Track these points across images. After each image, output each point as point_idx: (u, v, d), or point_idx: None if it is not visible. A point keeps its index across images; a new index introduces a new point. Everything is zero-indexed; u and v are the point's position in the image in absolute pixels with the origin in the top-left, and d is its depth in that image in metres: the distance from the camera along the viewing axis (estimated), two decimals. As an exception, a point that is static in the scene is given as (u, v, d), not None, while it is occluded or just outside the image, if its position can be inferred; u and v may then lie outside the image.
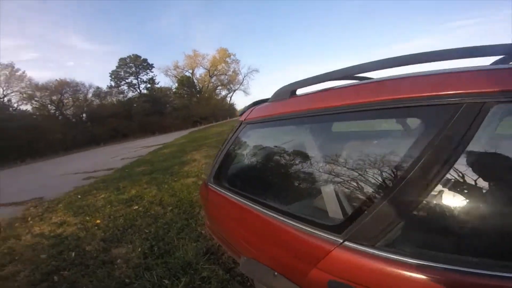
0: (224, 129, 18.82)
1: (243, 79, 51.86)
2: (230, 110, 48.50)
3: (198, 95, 45.68)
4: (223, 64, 48.20)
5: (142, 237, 2.70)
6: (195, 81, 47.70)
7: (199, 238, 2.54)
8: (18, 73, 32.61)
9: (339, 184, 0.97)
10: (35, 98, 33.86)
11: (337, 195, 0.93)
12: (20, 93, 32.71)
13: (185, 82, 44.76)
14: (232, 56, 49.33)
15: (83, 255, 2.54)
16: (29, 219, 4.03)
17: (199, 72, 49.70)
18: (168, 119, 40.53)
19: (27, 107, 33.84)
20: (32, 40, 62.86)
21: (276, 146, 1.44)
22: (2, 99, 31.63)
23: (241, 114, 1.51)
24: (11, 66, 32.09)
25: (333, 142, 1.36)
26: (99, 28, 71.44)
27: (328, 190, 0.98)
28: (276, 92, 1.28)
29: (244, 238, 1.30)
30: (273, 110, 1.24)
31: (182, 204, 3.59)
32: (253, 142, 1.53)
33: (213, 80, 49.43)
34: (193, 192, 4.07)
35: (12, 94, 32.38)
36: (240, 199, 1.28)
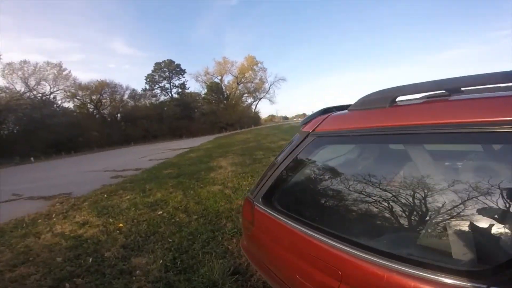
0: (249, 137, 18.74)
1: (269, 87, 52.23)
2: (255, 118, 48.95)
3: (225, 102, 46.51)
4: (250, 72, 48.96)
5: (164, 247, 2.49)
6: (223, 87, 48.77)
7: (225, 254, 2.27)
8: (65, 73, 35.26)
9: (464, 220, 0.75)
10: (77, 97, 36.51)
11: (466, 232, 0.74)
12: (65, 91, 35.46)
13: (214, 88, 45.85)
14: (259, 64, 50.05)
15: (101, 261, 2.37)
16: (53, 216, 4.04)
17: (228, 79, 50.91)
18: (196, 124, 41.59)
19: (69, 104, 36.64)
20: (79, 43, 69.01)
21: (364, 167, 1.17)
22: (48, 96, 34.47)
23: (305, 123, 1.23)
24: (59, 65, 34.84)
25: (454, 167, 1.08)
26: (139, 34, 77.04)
27: (453, 226, 0.78)
28: (363, 98, 1.03)
29: (300, 273, 1.01)
30: (361, 121, 0.98)
31: (208, 213, 3.35)
32: (326, 160, 1.24)
33: (240, 87, 50.25)
34: (220, 201, 3.83)
35: (58, 91, 35.16)
36: (301, 228, 1.02)
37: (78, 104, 37.18)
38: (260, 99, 53.48)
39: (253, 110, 54.11)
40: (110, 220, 3.45)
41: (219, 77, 49.15)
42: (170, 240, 2.61)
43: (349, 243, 0.85)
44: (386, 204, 0.93)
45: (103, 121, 37.89)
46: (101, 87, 38.21)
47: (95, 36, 72.38)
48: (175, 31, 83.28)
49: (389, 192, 0.94)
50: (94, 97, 38.09)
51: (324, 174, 1.19)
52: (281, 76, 57.84)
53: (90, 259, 2.41)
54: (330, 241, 0.90)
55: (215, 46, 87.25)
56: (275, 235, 1.19)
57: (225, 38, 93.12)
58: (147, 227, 3.04)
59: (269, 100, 53.55)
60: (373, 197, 0.96)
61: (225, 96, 47.49)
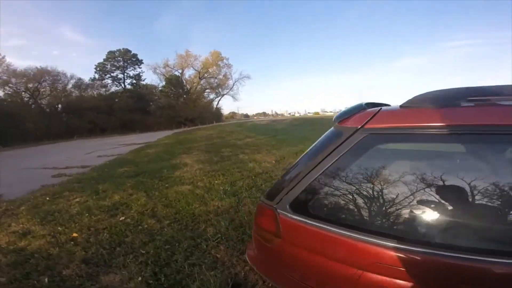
0: (212, 133, 18.20)
1: (233, 84, 51.47)
2: (217, 114, 47.78)
3: (185, 96, 44.40)
4: (215, 67, 47.50)
5: (138, 260, 2.09)
6: (184, 81, 46.53)
7: (216, 264, 2.01)
8: (-4, 58, 29.80)
9: None
10: (9, 84, 31.15)
11: None
12: (-5, 78, 29.90)
13: (174, 81, 43.29)
14: (225, 60, 48.83)
15: (60, 282, 1.89)
16: (-21, 224, 3.20)
17: (189, 73, 48.67)
18: (152, 118, 38.90)
19: (-1, 92, 31.00)
20: (18, 27, 58.90)
21: (428, 166, 1.09)
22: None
23: (345, 118, 1.10)
24: (-12, 49, 29.27)
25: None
26: (91, 19, 68.71)
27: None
28: (426, 95, 0.99)
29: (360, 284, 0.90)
30: (426, 119, 0.89)
31: (181, 217, 2.99)
32: (381, 159, 1.10)
33: (202, 82, 48.48)
34: (192, 203, 3.48)
35: (-15, 78, 29.49)
36: (361, 236, 0.91)
37: (10, 92, 31.71)
38: (223, 95, 52.42)
39: (215, 106, 52.93)
40: (59, 228, 2.83)
41: (180, 71, 46.81)
42: (143, 252, 2.21)
43: (421, 246, 0.82)
44: (459, 205, 0.90)
45: (41, 112, 33.01)
46: (41, 75, 33.14)
47: (37, 21, 62.52)
48: (136, 21, 76.74)
49: (458, 194, 0.88)
50: (30, 85, 32.92)
51: (382, 175, 1.04)
52: (246, 73, 57.13)
53: (46, 279, 1.90)
54: (400, 246, 0.84)
55: (179, 40, 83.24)
56: (319, 246, 1.03)
57: (191, 32, 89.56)
58: (109, 237, 2.55)
59: (232, 97, 52.87)
60: (442, 198, 0.89)
61: (186, 90, 45.30)
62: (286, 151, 7.63)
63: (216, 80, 49.35)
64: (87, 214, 3.26)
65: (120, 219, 3.05)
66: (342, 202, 1.08)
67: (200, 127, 32.29)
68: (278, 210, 1.13)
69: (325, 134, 1.23)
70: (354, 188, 1.04)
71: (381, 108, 1.04)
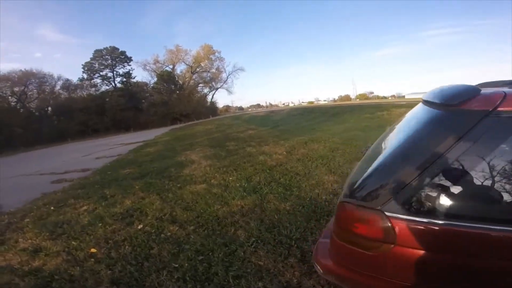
0: (210, 127, 17.87)
1: (227, 77, 50.60)
2: (212, 109, 47.03)
3: (178, 92, 43.51)
4: (207, 61, 46.42)
5: (174, 277, 1.85)
6: (176, 77, 45.51)
7: (261, 273, 1.81)
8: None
9: None
10: (-6, 89, 30.06)
11: None
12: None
13: (165, 77, 42.23)
14: (216, 53, 47.74)
15: None
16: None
17: (180, 68, 47.58)
18: (145, 116, 38.15)
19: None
20: None
21: None
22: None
23: (463, 100, 0.93)
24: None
25: None
26: (74, 18, 65.74)
27: None
28: None
29: None
30: None
31: (205, 221, 2.76)
32: None
33: (194, 77, 47.57)
34: (213, 204, 3.25)
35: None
36: None
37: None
38: (217, 89, 51.53)
39: (210, 100, 52.08)
40: (73, 243, 2.57)
41: (171, 66, 45.71)
42: (176, 265, 1.98)
43: None
44: None
45: (30, 116, 32.04)
46: (26, 77, 32.05)
47: (15, 22, 59.73)
48: (122, 17, 73.44)
49: None
50: (16, 89, 31.82)
51: None
52: (240, 66, 55.88)
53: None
54: None
55: (168, 35, 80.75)
56: (457, 247, 0.91)
57: (179, 26, 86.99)
58: (132, 249, 2.31)
59: (227, 90, 52.06)
60: None
61: (178, 85, 44.33)
62: (294, 142, 7.40)
63: (209, 74, 48.52)
64: (100, 224, 3.00)
65: (139, 227, 2.80)
66: (484, 196, 0.92)
67: (197, 122, 31.74)
68: (388, 213, 0.96)
69: (425, 118, 1.08)
70: (494, 179, 0.87)
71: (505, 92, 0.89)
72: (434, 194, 0.92)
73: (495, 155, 0.87)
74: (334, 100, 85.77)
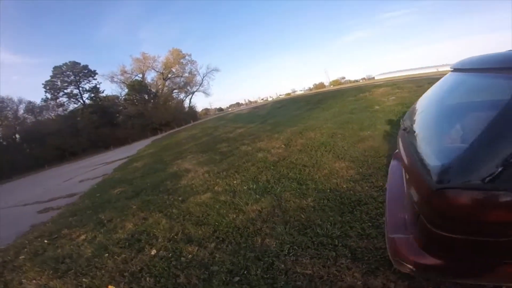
0: (195, 133, 17.27)
1: (202, 79, 49.37)
2: (191, 113, 45.81)
3: (152, 101, 41.99)
4: (178, 66, 45.07)
5: None
6: (147, 85, 43.83)
7: (314, 284, 1.57)
8: None
9: None
10: None
11: None
12: None
13: (137, 87, 40.42)
14: (187, 57, 46.31)
15: None
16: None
17: (151, 75, 45.88)
18: (122, 130, 36.51)
19: None
20: None
21: None
22: None
23: None
24: None
25: None
26: (26, 37, 61.25)
27: None
28: None
29: None
30: None
31: (224, 235, 2.48)
32: None
33: (167, 83, 46.05)
34: (226, 213, 2.96)
35: None
36: None
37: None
38: (193, 93, 50.13)
39: (188, 105, 50.68)
40: (85, 280, 2.20)
41: (140, 75, 43.92)
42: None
43: None
44: None
45: (-3, 147, 29.76)
46: (-19, 105, 29.70)
47: None
48: (78, 30, 68.98)
49: None
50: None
51: None
52: (214, 66, 54.13)
53: None
54: None
55: (131, 43, 77.81)
56: None
57: (143, 33, 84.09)
58: (155, 282, 1.98)
59: (204, 92, 50.75)
60: None
61: (152, 94, 42.73)
62: (289, 133, 7.20)
63: (182, 79, 47.10)
64: (107, 255, 2.63)
65: (152, 253, 2.46)
66: None
67: (178, 129, 30.75)
68: None
69: None
70: None
71: None
72: None
73: None
74: (310, 89, 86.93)
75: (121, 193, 5.54)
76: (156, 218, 3.42)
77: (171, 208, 3.68)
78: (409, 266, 1.15)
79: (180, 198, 4.05)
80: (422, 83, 11.85)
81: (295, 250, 1.96)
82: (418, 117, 1.81)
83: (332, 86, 71.60)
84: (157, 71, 44.62)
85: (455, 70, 1.78)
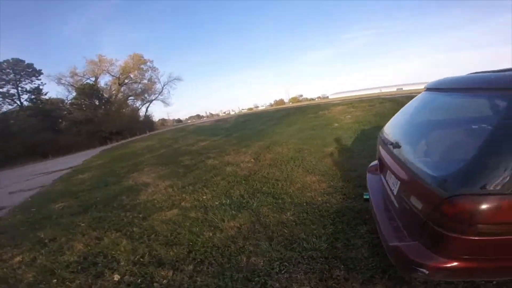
0: (152, 144, 16.20)
1: (162, 88, 47.04)
2: (147, 123, 42.90)
3: (104, 107, 38.51)
4: (137, 72, 42.43)
5: None
6: (100, 90, 40.23)
7: None
8: None
9: None
10: None
11: None
12: None
13: (87, 91, 36.52)
14: (148, 63, 43.88)
15: None
16: None
17: (105, 80, 42.42)
18: (66, 137, 32.38)
19: None
20: None
21: None
22: None
23: None
24: None
25: None
26: None
27: None
28: None
29: None
30: None
31: (203, 255, 2.24)
32: None
33: (123, 89, 42.91)
34: (199, 231, 2.72)
35: None
36: None
37: None
38: (151, 101, 47.20)
39: (144, 113, 47.27)
40: None
41: (93, 79, 40.22)
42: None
43: None
44: None
45: None
46: None
47: None
48: (30, 27, 60.96)
49: None
50: None
51: None
52: (177, 75, 51.83)
53: None
54: None
55: (89, 45, 70.63)
56: None
57: (103, 36, 77.75)
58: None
59: (163, 101, 48.03)
60: None
61: (105, 100, 39.18)
62: (256, 148, 7.19)
63: (140, 85, 44.39)
64: (55, 281, 2.16)
65: (115, 278, 2.09)
66: None
67: (132, 139, 28.48)
68: None
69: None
70: None
71: None
72: None
73: None
74: (271, 105, 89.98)
75: (65, 208, 4.80)
76: (114, 238, 2.98)
77: (131, 226, 3.27)
78: (422, 270, 1.20)
79: (140, 215, 3.63)
80: (374, 102, 13.14)
81: (286, 266, 1.86)
82: (405, 133, 1.93)
83: (291, 103, 75.20)
84: (113, 76, 41.39)
85: (428, 89, 1.98)
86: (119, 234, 3.09)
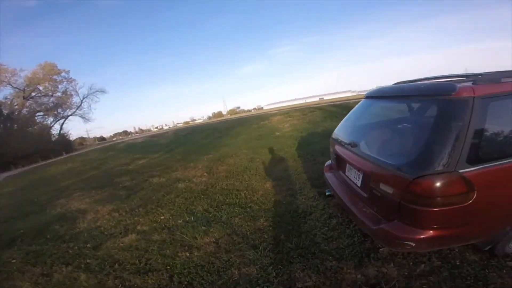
0: (74, 166, 13.87)
1: (81, 101, 40.47)
2: (63, 143, 36.16)
3: (3, 125, 31.11)
4: (48, 83, 35.71)
5: None
6: (-1, 104, 32.28)
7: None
8: None
9: None
10: None
11: None
12: None
13: (-23, 107, 29.16)
14: (63, 73, 37.30)
15: None
16: None
17: (4, 93, 34.41)
18: None
19: None
20: None
21: None
22: None
23: (451, 92, 1.49)
24: None
25: None
26: None
27: None
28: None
29: None
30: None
31: (188, 277, 2.10)
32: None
33: (29, 104, 35.57)
34: (175, 253, 2.53)
35: None
36: None
37: None
38: (67, 117, 39.81)
39: (58, 132, 39.39)
40: None
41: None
42: None
43: None
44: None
45: None
46: None
47: None
48: None
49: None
50: None
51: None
52: (99, 87, 43.72)
53: None
54: None
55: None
56: None
57: (13, 43, 63.26)
58: None
59: (82, 117, 40.97)
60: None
61: (3, 117, 31.57)
62: (206, 161, 7.03)
63: (52, 99, 37.58)
64: None
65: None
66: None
67: (46, 163, 23.67)
68: (458, 170, 1.35)
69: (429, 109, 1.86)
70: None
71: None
72: (476, 151, 1.37)
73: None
74: (209, 118, 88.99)
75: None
76: (66, 273, 2.53)
77: (82, 258, 2.81)
78: (409, 243, 1.44)
79: (88, 245, 3.15)
80: (305, 111, 14.50)
81: (281, 269, 1.92)
82: (357, 134, 2.31)
83: (229, 115, 75.96)
84: (16, 88, 33.95)
85: (367, 97, 2.44)
86: (71, 268, 2.63)
